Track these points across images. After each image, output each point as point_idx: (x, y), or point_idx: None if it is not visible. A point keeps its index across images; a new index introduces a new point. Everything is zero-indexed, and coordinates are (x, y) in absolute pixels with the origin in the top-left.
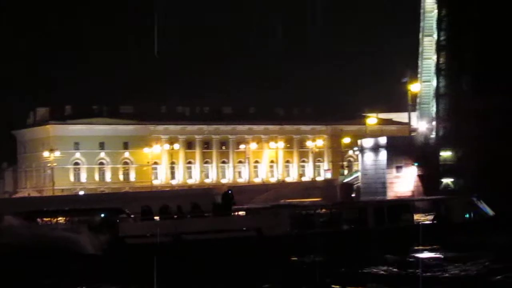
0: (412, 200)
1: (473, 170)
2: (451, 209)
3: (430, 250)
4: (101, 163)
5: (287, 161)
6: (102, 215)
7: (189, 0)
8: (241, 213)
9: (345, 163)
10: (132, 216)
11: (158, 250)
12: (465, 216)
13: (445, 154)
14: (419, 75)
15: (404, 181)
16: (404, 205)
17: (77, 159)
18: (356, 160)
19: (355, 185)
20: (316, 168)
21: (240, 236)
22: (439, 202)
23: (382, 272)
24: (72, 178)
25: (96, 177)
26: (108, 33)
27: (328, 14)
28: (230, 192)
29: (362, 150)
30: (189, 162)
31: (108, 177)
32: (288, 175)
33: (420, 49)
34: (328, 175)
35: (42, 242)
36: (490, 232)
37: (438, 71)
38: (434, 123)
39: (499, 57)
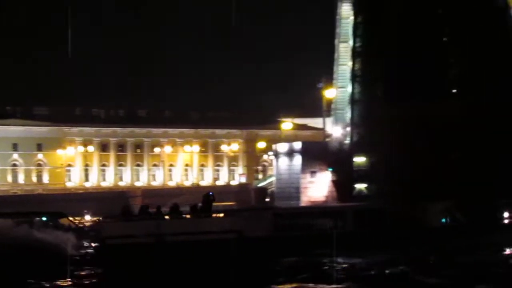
0: (391, 206)
1: (386, 176)
2: (428, 214)
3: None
4: (14, 165)
5: (202, 165)
6: (44, 218)
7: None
8: (220, 215)
9: (259, 168)
10: (73, 220)
11: (141, 250)
12: (442, 221)
13: (359, 160)
14: (334, 81)
15: (318, 186)
16: (380, 210)
17: None
18: (271, 164)
19: (269, 190)
20: (231, 172)
21: (221, 238)
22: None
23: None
24: None
25: (9, 179)
26: (21, 32)
27: (244, 16)
28: (211, 194)
29: (276, 155)
30: (103, 165)
31: (21, 178)
32: (202, 179)
33: (336, 55)
34: (243, 180)
35: (23, 243)
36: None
37: (353, 77)
38: (348, 129)
39: (412, 65)
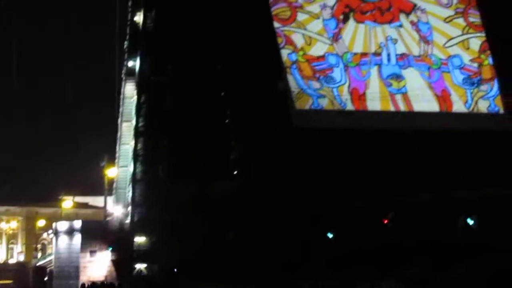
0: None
1: (166, 256)
2: None
3: None
4: None
5: None
6: None
7: None
8: None
9: (39, 246)
10: None
11: None
12: None
13: (140, 239)
14: (116, 160)
15: (98, 266)
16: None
17: None
18: (51, 243)
19: (48, 269)
20: (9, 250)
21: None
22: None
23: None
24: None
25: None
26: None
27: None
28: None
29: (56, 233)
30: None
31: None
32: None
33: (119, 134)
34: (21, 258)
35: None
36: None
37: (136, 156)
38: (129, 208)
39: (193, 146)
